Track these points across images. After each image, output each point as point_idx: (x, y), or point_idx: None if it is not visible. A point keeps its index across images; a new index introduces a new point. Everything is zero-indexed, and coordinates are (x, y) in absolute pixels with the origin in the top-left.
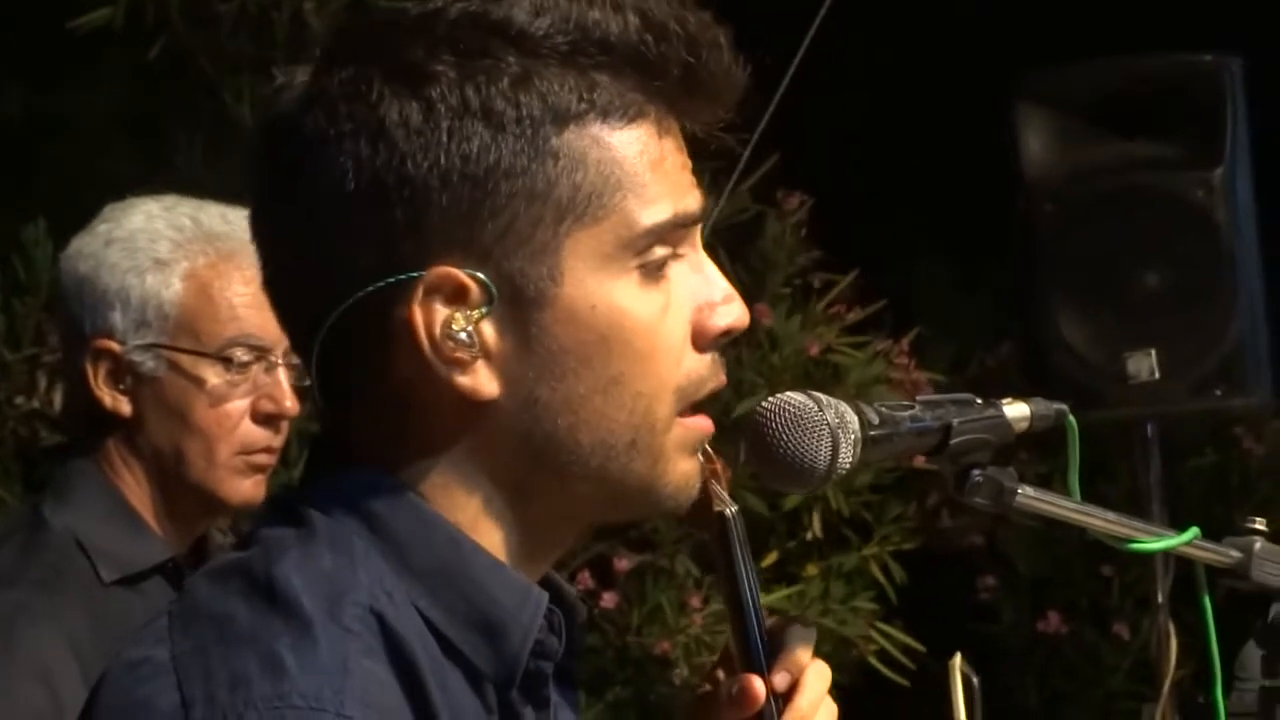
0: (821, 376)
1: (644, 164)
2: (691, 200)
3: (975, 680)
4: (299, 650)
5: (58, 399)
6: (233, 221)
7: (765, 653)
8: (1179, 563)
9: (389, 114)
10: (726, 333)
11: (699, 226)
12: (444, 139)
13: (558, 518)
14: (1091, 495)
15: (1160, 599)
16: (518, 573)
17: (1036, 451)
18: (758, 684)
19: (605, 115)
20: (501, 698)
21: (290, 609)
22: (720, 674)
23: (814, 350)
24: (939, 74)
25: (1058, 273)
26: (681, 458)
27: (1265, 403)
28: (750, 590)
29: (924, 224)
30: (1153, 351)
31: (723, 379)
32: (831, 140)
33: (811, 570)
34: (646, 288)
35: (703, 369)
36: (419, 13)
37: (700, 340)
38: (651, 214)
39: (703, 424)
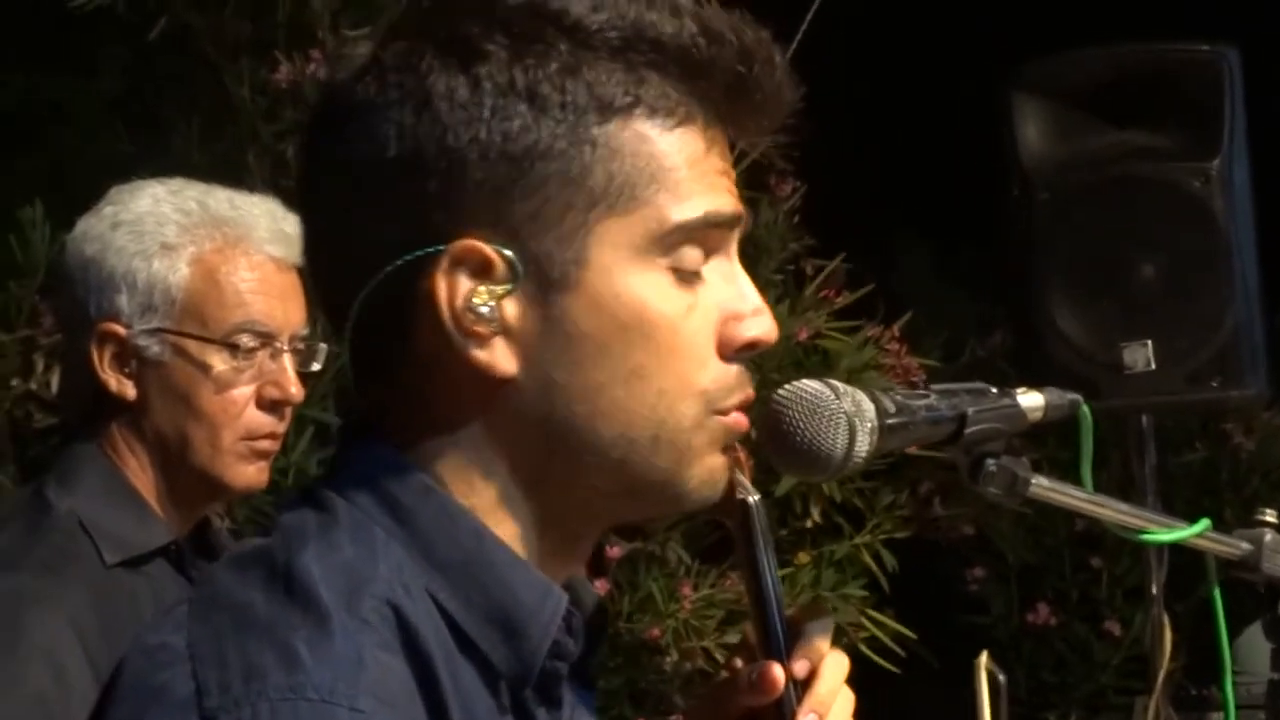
0: (812, 363)
1: (682, 162)
2: (727, 204)
3: (1001, 678)
4: (314, 642)
5: (53, 381)
6: (240, 206)
7: (785, 641)
8: (1172, 555)
9: (436, 86)
10: (753, 345)
11: (735, 236)
12: (486, 115)
13: (575, 511)
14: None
15: (1155, 591)
16: (539, 571)
17: (1027, 440)
18: (777, 671)
19: (651, 112)
20: (515, 696)
21: (308, 600)
22: (738, 662)
23: (803, 335)
24: (934, 62)
25: (1053, 262)
26: (709, 453)
27: (1261, 394)
28: (771, 578)
29: (916, 211)
30: (1149, 342)
31: (750, 392)
32: (826, 128)
33: (803, 558)
34: (675, 287)
35: (729, 378)
36: None
37: (725, 349)
38: (683, 210)
39: (737, 421)
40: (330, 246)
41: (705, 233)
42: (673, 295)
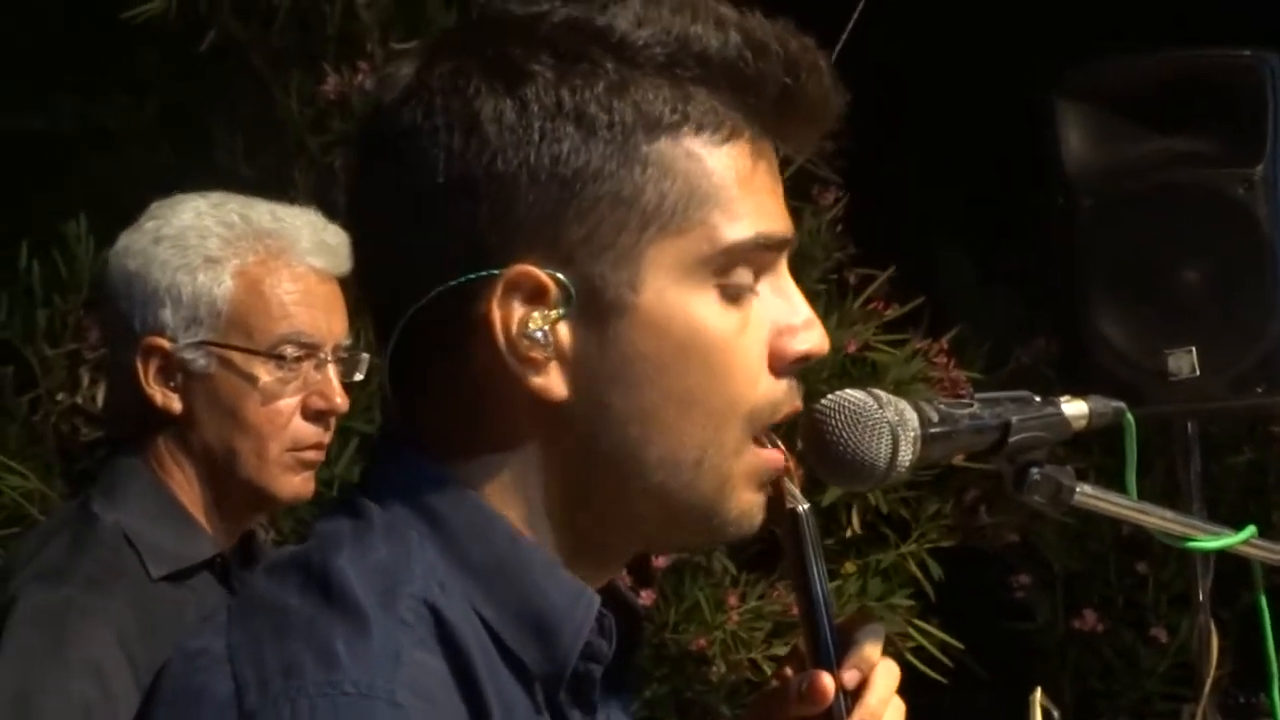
0: (859, 374)
1: (733, 180)
2: (779, 223)
3: (1055, 714)
4: (351, 641)
5: (99, 395)
6: (282, 218)
7: (835, 650)
8: (1218, 561)
9: (484, 109)
10: (805, 358)
11: (785, 255)
12: (535, 138)
13: (614, 535)
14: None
15: (1201, 598)
16: (572, 574)
17: (1071, 448)
18: (827, 680)
19: (699, 128)
20: (549, 697)
21: (344, 601)
22: (788, 671)
23: (851, 348)
24: (976, 69)
25: (1097, 269)
26: (747, 488)
27: None
28: (821, 587)
29: (959, 219)
30: (1193, 348)
31: (798, 404)
32: (868, 136)
33: (849, 568)
34: (725, 305)
35: (778, 393)
36: (523, 14)
37: (777, 363)
38: (735, 230)
39: (774, 457)
40: (381, 266)
41: (755, 253)
42: (725, 315)
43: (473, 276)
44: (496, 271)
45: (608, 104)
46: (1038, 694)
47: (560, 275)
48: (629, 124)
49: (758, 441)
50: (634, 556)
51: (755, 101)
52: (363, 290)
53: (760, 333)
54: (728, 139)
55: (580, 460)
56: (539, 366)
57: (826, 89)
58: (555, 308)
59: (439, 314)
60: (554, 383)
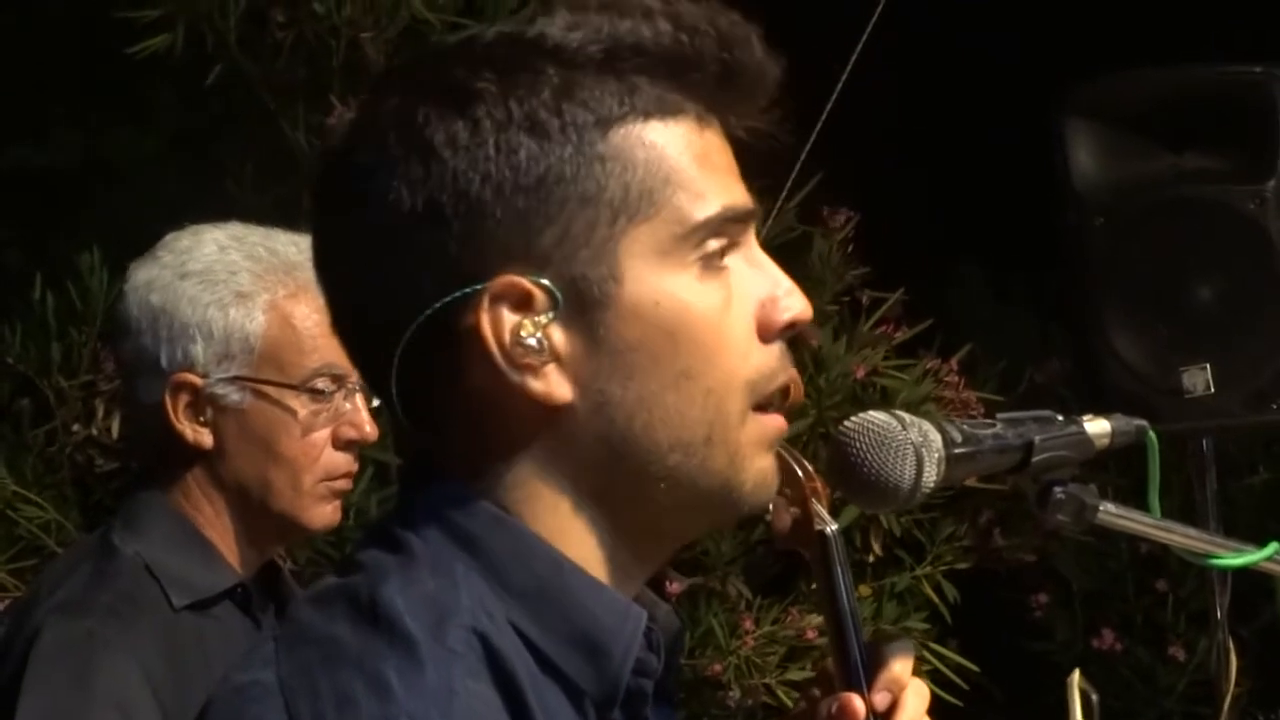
0: (869, 398)
1: (689, 160)
2: (740, 196)
3: (1094, 697)
4: (404, 672)
5: (114, 426)
6: (305, 250)
7: (865, 671)
8: (1237, 579)
9: (437, 135)
10: (791, 325)
11: (752, 227)
12: (492, 152)
13: (643, 528)
14: (1143, 509)
15: (1219, 615)
16: (616, 591)
17: (1086, 467)
18: (858, 703)
19: (647, 115)
20: (602, 716)
21: (395, 631)
22: (816, 692)
23: (860, 373)
24: (985, 88)
25: (1109, 287)
26: (758, 454)
27: None
28: (850, 608)
29: (971, 238)
30: (1207, 365)
31: (792, 372)
32: (878, 156)
33: (864, 591)
34: (706, 281)
35: (771, 361)
36: (458, 40)
37: (766, 333)
38: (702, 208)
39: (777, 421)
40: (363, 308)
41: (724, 227)
42: (708, 291)
43: (457, 295)
44: (480, 287)
45: (556, 108)
46: (1076, 675)
47: (543, 280)
48: (581, 123)
49: (759, 409)
50: (651, 577)
51: (698, 80)
52: (344, 339)
53: (746, 307)
54: (677, 122)
55: (595, 459)
56: (537, 372)
57: (761, 60)
58: (544, 312)
59: (429, 341)
60: (554, 385)
